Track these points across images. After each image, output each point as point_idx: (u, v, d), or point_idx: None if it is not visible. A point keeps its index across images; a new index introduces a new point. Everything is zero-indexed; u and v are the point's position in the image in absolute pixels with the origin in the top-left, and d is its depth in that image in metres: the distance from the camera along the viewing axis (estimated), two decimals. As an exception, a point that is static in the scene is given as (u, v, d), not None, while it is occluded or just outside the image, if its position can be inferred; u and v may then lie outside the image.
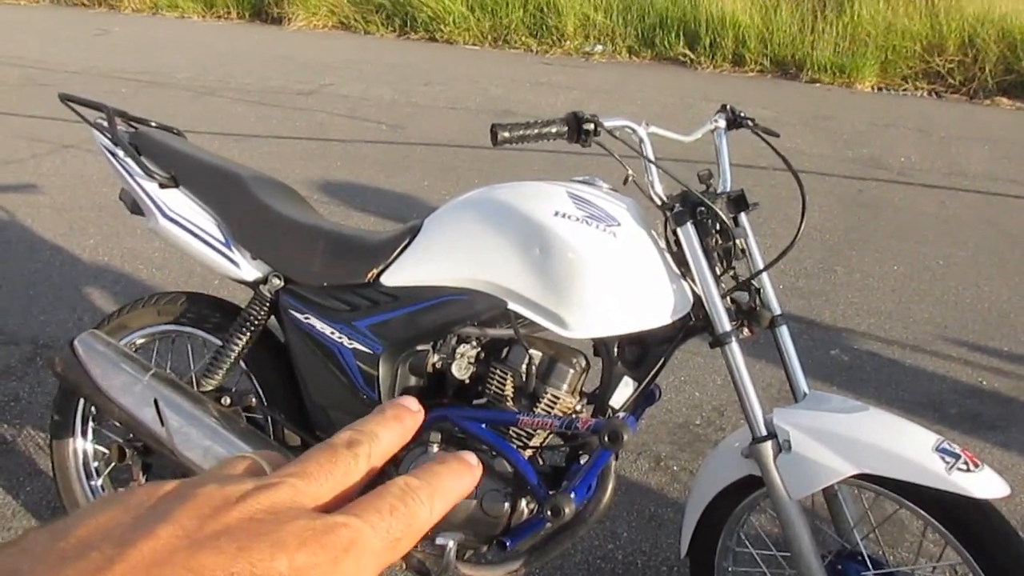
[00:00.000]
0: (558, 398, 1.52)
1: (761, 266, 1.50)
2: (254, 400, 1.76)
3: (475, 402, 1.60)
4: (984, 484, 1.27)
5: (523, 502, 1.51)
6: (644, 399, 1.59)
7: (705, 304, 1.45)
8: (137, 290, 3.23)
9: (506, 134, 1.41)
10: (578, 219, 1.43)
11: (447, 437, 1.54)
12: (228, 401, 1.74)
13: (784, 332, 1.53)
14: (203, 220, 1.77)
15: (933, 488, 1.27)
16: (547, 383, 1.52)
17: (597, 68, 7.74)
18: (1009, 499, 1.43)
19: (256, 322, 1.75)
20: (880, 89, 7.31)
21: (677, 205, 1.46)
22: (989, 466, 1.31)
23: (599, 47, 8.12)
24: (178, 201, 1.78)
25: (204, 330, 1.86)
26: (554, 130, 1.44)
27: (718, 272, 1.46)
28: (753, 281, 1.50)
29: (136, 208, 1.85)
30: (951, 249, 3.97)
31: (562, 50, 8.21)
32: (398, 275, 1.58)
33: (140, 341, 1.90)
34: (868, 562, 1.50)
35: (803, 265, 3.68)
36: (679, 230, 1.46)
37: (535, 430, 1.52)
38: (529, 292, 1.45)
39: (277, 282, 1.71)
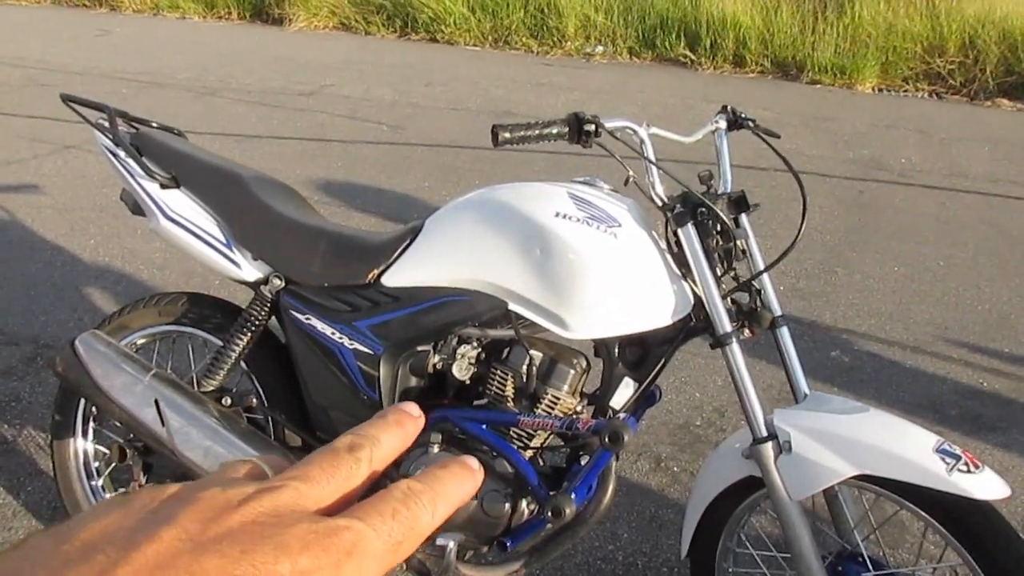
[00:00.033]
0: (559, 399, 1.52)
1: (762, 267, 1.51)
2: (255, 400, 1.76)
3: (476, 403, 1.60)
4: (985, 485, 1.27)
5: (524, 503, 1.51)
6: (645, 400, 1.59)
7: (706, 305, 1.45)
8: (138, 290, 3.23)
9: (507, 135, 1.41)
10: (579, 220, 1.43)
11: (448, 438, 1.54)
12: (229, 401, 1.74)
13: (785, 333, 1.53)
14: (204, 221, 1.77)
15: (934, 489, 1.27)
16: (548, 384, 1.52)
17: (598, 69, 7.74)
18: (1010, 500, 1.43)
19: (257, 323, 1.75)
20: (881, 90, 7.31)
21: (678, 206, 1.46)
22: (990, 467, 1.31)
23: (600, 48, 8.12)
24: (179, 202, 1.78)
25: (205, 330, 1.86)
26: (555, 131, 1.44)
27: (719, 273, 1.46)
28: (754, 282, 1.51)
29: (137, 208, 1.86)
30: (952, 250, 3.97)
31: (563, 51, 8.21)
32: (399, 276, 1.58)
33: (141, 341, 1.90)
34: (869, 563, 1.50)
35: (804, 266, 3.68)
36: (680, 231, 1.46)
37: (536, 431, 1.53)
38: (530, 293, 1.45)
39: (278, 283, 1.71)
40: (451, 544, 1.42)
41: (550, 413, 1.52)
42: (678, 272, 1.48)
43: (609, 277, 1.42)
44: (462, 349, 1.56)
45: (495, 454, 1.52)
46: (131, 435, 1.79)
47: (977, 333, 3.19)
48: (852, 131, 5.90)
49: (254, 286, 1.76)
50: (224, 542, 0.28)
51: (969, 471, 1.27)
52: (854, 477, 1.33)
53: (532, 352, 1.51)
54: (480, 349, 1.58)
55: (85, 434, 1.96)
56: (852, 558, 1.53)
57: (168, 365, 1.89)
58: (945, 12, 7.32)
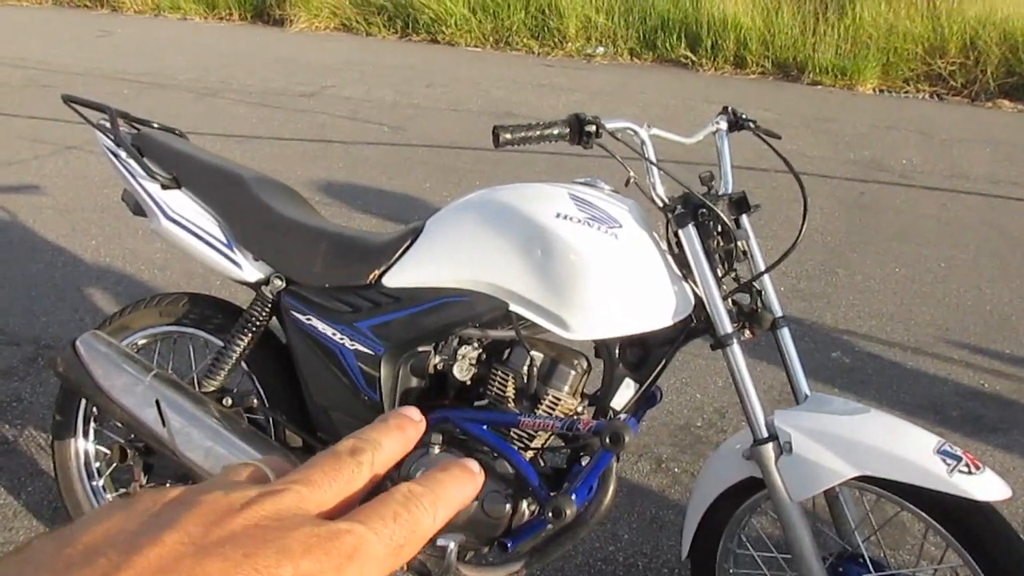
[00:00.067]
0: (559, 400, 1.52)
1: (763, 268, 1.51)
2: (255, 401, 1.76)
3: (476, 403, 1.60)
4: (985, 486, 1.27)
5: (524, 503, 1.51)
6: (645, 401, 1.59)
7: (706, 306, 1.45)
8: (139, 291, 3.23)
9: (508, 136, 1.41)
10: (580, 221, 1.43)
11: (448, 438, 1.54)
12: (229, 402, 1.74)
13: (785, 334, 1.53)
14: (205, 221, 1.77)
15: (934, 490, 1.27)
16: (548, 385, 1.52)
17: (599, 70, 7.74)
18: (1010, 501, 1.43)
19: (258, 323, 1.75)
20: (882, 91, 7.31)
21: (679, 207, 1.46)
22: (990, 468, 1.31)
23: (601, 49, 8.12)
24: (180, 202, 1.78)
25: (206, 331, 1.86)
26: (556, 132, 1.44)
27: (719, 274, 1.46)
28: (755, 283, 1.51)
29: (138, 209, 1.86)
30: (953, 251, 3.96)
31: (564, 52, 8.21)
32: (400, 276, 1.58)
33: (142, 342, 1.90)
34: (869, 564, 1.50)
35: (804, 267, 3.68)
36: (681, 232, 1.46)
37: (536, 432, 1.53)
38: (530, 294, 1.45)
39: (279, 283, 1.71)
40: (452, 545, 1.42)
41: (551, 414, 1.52)
42: (679, 273, 1.48)
43: (610, 278, 1.42)
44: (463, 350, 1.56)
45: (496, 455, 1.52)
46: (132, 435, 1.79)
47: (978, 334, 3.19)
48: (853, 132, 5.90)
49: (255, 287, 1.76)
50: (226, 546, 0.28)
51: (970, 472, 1.27)
52: (855, 478, 1.33)
53: (533, 353, 1.51)
54: (481, 350, 1.58)
55: (86, 434, 1.96)
56: (853, 559, 1.53)
57: (169, 366, 1.89)
58: (946, 13, 7.32)
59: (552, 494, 1.47)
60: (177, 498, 0.31)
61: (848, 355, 3.00)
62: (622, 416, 1.51)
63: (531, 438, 1.54)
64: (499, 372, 1.54)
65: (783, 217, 4.05)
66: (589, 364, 1.57)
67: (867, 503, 1.59)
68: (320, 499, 0.32)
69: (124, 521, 0.30)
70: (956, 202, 4.64)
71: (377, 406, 1.62)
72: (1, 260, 3.54)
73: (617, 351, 1.53)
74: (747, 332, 1.51)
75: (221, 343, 1.80)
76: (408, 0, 8.70)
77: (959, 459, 1.28)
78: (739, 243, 1.47)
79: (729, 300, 1.49)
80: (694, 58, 7.80)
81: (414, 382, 1.63)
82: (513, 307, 1.47)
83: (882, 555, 1.61)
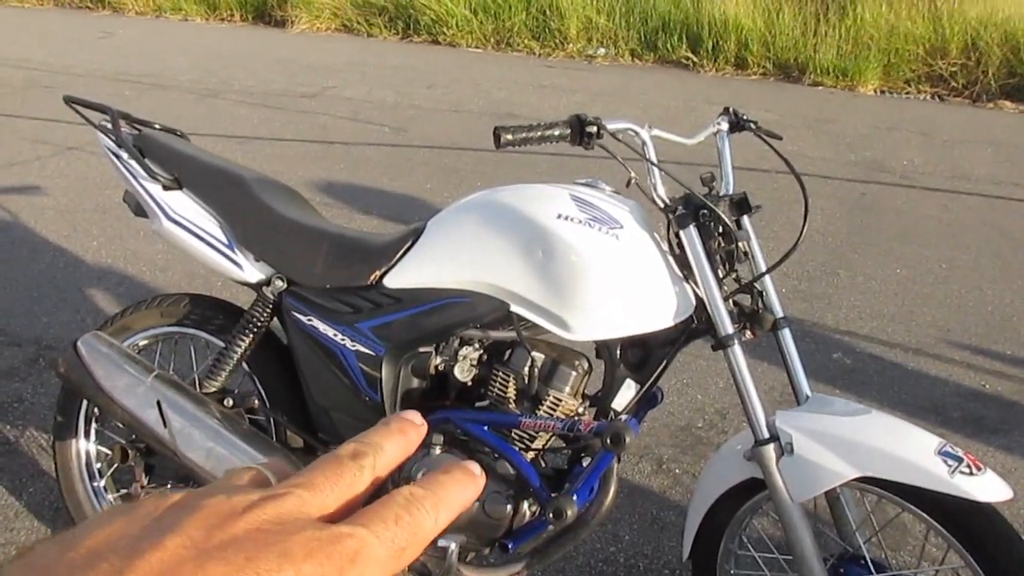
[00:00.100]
0: (560, 400, 1.52)
1: (764, 269, 1.51)
2: (256, 402, 1.76)
3: (477, 404, 1.60)
4: (987, 487, 1.27)
5: (525, 504, 1.51)
6: (646, 402, 1.59)
7: (707, 307, 1.45)
8: (140, 292, 3.23)
9: (509, 137, 1.41)
10: (581, 222, 1.43)
11: (450, 439, 1.54)
12: (231, 403, 1.74)
13: (786, 335, 1.53)
14: (206, 222, 1.77)
15: (936, 491, 1.27)
16: (549, 385, 1.52)
17: (600, 71, 7.74)
18: (1012, 503, 1.43)
19: (259, 324, 1.75)
20: (883, 92, 7.31)
21: (680, 208, 1.46)
22: (992, 469, 1.31)
23: (602, 50, 8.12)
24: (181, 203, 1.78)
25: (207, 332, 1.86)
26: (557, 133, 1.44)
27: (720, 275, 1.46)
28: (756, 284, 1.51)
29: (140, 210, 1.86)
30: (954, 252, 3.96)
31: (565, 53, 8.21)
32: (401, 277, 1.58)
33: (143, 342, 1.90)
34: (870, 565, 1.50)
35: (805, 268, 3.68)
36: (682, 233, 1.46)
37: (537, 432, 1.53)
38: (531, 294, 1.45)
39: (280, 284, 1.71)
40: (453, 546, 1.42)
41: (552, 415, 1.52)
42: (680, 274, 1.48)
43: (611, 279, 1.43)
44: (464, 351, 1.56)
45: (497, 456, 1.52)
46: (133, 436, 1.80)
47: (979, 335, 3.18)
48: (854, 133, 5.90)
49: (256, 287, 1.76)
50: (228, 549, 0.28)
51: (971, 473, 1.27)
52: (856, 479, 1.33)
53: (534, 354, 1.51)
54: (482, 351, 1.58)
55: (87, 435, 1.96)
56: (854, 560, 1.53)
57: (170, 366, 1.89)
58: (947, 14, 7.31)
59: (553, 495, 1.47)
60: (179, 502, 0.31)
61: (849, 356, 3.00)
62: (623, 417, 1.51)
63: (532, 439, 1.54)
64: (500, 373, 1.54)
65: (784, 218, 4.05)
66: (590, 365, 1.57)
67: (868, 504, 1.58)
68: (322, 503, 0.32)
69: (126, 525, 0.30)
70: (957, 203, 4.64)
71: (378, 407, 1.62)
72: (3, 261, 3.54)
73: (618, 352, 1.53)
74: (748, 333, 1.51)
75: (222, 344, 1.80)
76: (409, 1, 8.71)
77: (960, 460, 1.28)
78: (740, 244, 1.47)
79: (730, 301, 1.49)
80: (695, 59, 7.80)
81: (415, 383, 1.63)
82: (514, 308, 1.47)
83: (883, 556, 1.61)
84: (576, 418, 1.52)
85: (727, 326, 1.44)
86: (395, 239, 1.64)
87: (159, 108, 5.83)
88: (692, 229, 1.45)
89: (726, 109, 1.68)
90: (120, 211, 3.12)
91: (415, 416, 0.38)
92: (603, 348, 1.54)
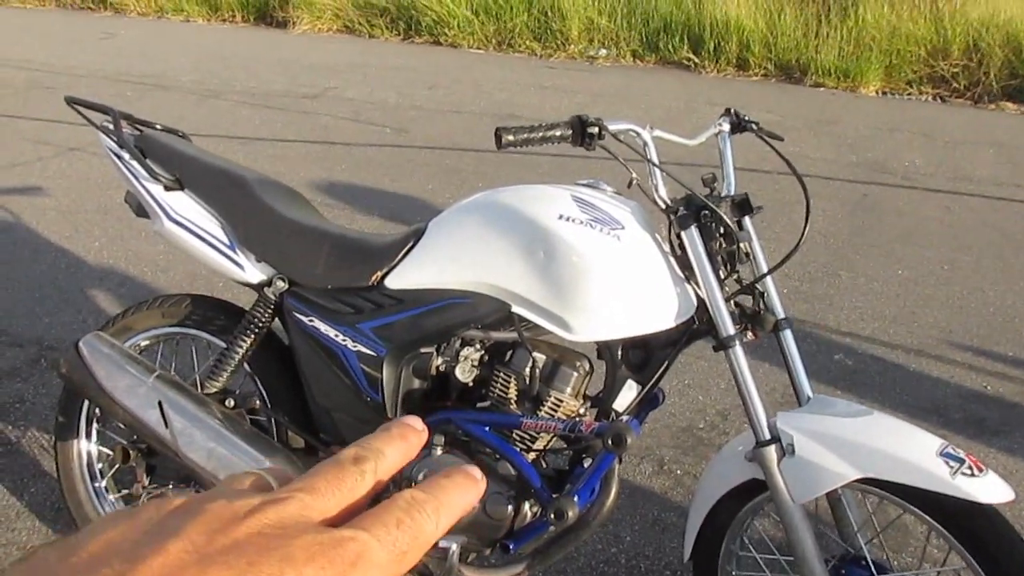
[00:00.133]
0: (562, 401, 1.52)
1: (765, 270, 1.51)
2: (258, 402, 1.76)
3: (479, 405, 1.60)
4: (988, 489, 1.27)
5: (526, 505, 1.51)
6: (648, 403, 1.59)
7: (709, 308, 1.45)
8: (142, 292, 3.24)
9: (510, 137, 1.41)
10: (582, 222, 1.43)
11: (451, 440, 1.54)
12: (232, 403, 1.74)
13: (788, 336, 1.53)
14: (208, 223, 1.78)
15: (937, 493, 1.27)
16: (551, 386, 1.52)
17: (601, 72, 7.74)
18: (1013, 504, 1.43)
19: (260, 324, 1.75)
20: (884, 93, 7.30)
21: (681, 209, 1.46)
22: (993, 471, 1.31)
23: (603, 51, 8.13)
24: (183, 204, 1.79)
25: (208, 332, 1.86)
26: (558, 133, 1.44)
27: (722, 276, 1.46)
28: (757, 285, 1.51)
29: (141, 211, 1.86)
30: (956, 254, 3.96)
31: (566, 54, 8.21)
32: (402, 278, 1.58)
33: (144, 343, 1.90)
34: (872, 567, 1.50)
35: (807, 269, 3.68)
36: (683, 234, 1.46)
37: (539, 433, 1.53)
38: (533, 295, 1.45)
39: (281, 285, 1.71)
40: (454, 546, 1.42)
41: (553, 415, 1.52)
42: (681, 275, 1.48)
43: (612, 280, 1.42)
44: (465, 351, 1.56)
45: (498, 456, 1.52)
46: (134, 437, 1.80)
47: (981, 337, 3.18)
48: (856, 134, 5.90)
49: (258, 288, 1.76)
50: (230, 554, 0.28)
51: (973, 475, 1.27)
52: (857, 480, 1.33)
53: (535, 354, 1.51)
54: (483, 351, 1.58)
55: (89, 436, 1.96)
56: (855, 562, 1.52)
57: (172, 367, 1.89)
58: (949, 15, 7.31)
59: (554, 496, 1.47)
60: (181, 507, 0.31)
61: (851, 357, 3.00)
62: (624, 418, 1.51)
63: (533, 440, 1.54)
64: (501, 373, 1.54)
65: (786, 219, 4.04)
66: (591, 366, 1.57)
67: (870, 505, 1.58)
68: (323, 507, 0.32)
69: (128, 530, 0.30)
70: (959, 204, 4.64)
71: (379, 407, 1.62)
72: (4, 261, 3.54)
73: (619, 353, 1.53)
74: (749, 334, 1.51)
75: (224, 344, 1.80)
76: (411, 2, 8.71)
77: (962, 461, 1.28)
78: (741, 245, 1.47)
79: (731, 302, 1.49)
80: (697, 60, 7.80)
81: (416, 383, 1.64)
82: (515, 308, 1.47)
83: (885, 557, 1.61)
84: (577, 419, 1.52)
85: (728, 327, 1.44)
86: (396, 240, 1.64)
87: (161, 109, 5.83)
88: (693, 230, 1.45)
89: (727, 110, 1.68)
90: (122, 212, 3.13)
91: (416, 421, 0.38)
92: (604, 349, 1.54)
